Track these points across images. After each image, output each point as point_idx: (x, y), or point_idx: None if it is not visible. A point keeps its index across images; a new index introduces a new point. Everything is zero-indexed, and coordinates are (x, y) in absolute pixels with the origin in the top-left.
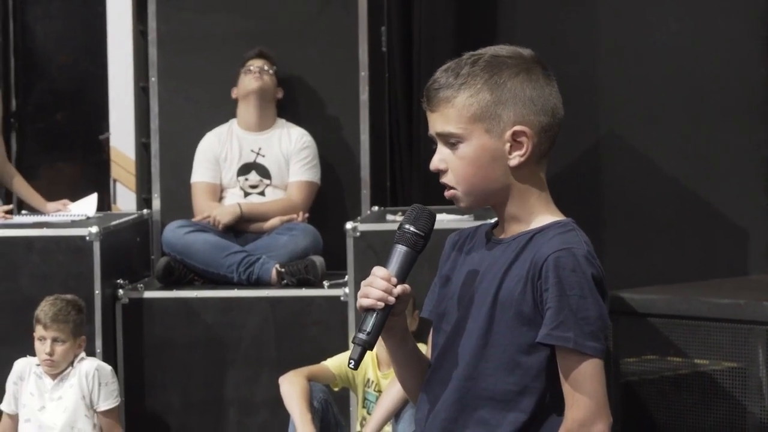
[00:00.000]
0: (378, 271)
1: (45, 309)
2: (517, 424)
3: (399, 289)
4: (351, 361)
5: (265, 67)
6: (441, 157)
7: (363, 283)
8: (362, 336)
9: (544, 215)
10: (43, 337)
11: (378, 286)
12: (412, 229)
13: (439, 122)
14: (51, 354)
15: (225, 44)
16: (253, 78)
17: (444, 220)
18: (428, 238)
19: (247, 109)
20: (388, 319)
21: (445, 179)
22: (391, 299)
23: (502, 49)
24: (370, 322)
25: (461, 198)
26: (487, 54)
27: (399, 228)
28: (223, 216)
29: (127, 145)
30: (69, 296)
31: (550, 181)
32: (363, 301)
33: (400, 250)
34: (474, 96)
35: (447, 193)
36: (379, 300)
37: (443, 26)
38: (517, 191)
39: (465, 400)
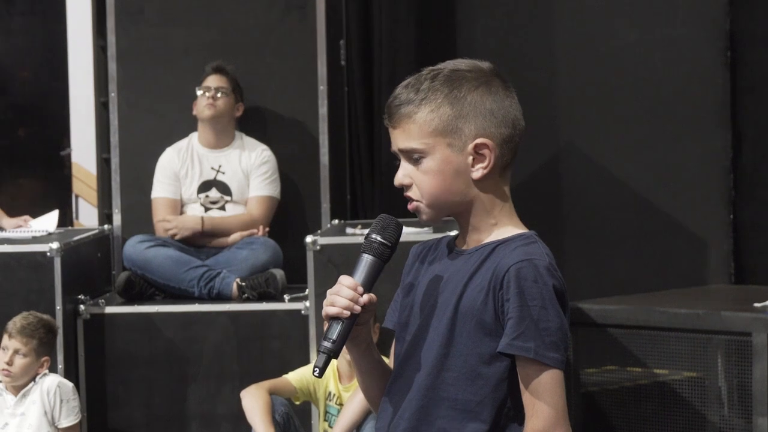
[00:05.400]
0: (344, 279)
1: (15, 320)
2: None
3: (365, 298)
4: (316, 369)
5: (221, 89)
6: (405, 173)
7: (329, 291)
8: (328, 344)
9: (507, 226)
10: (6, 347)
11: (344, 294)
12: (379, 238)
13: (401, 138)
14: (9, 364)
15: (184, 58)
16: (205, 105)
17: (405, 232)
18: (395, 248)
19: (204, 130)
20: (353, 329)
21: (410, 194)
22: (358, 308)
23: (461, 63)
24: (336, 331)
25: (424, 211)
26: (447, 68)
27: (366, 237)
28: (183, 230)
29: (89, 161)
30: (45, 316)
31: (510, 192)
32: (329, 310)
33: (366, 260)
34: (435, 111)
35: (410, 206)
36: (346, 309)
37: (403, 39)
38: (481, 203)
39: (426, 409)
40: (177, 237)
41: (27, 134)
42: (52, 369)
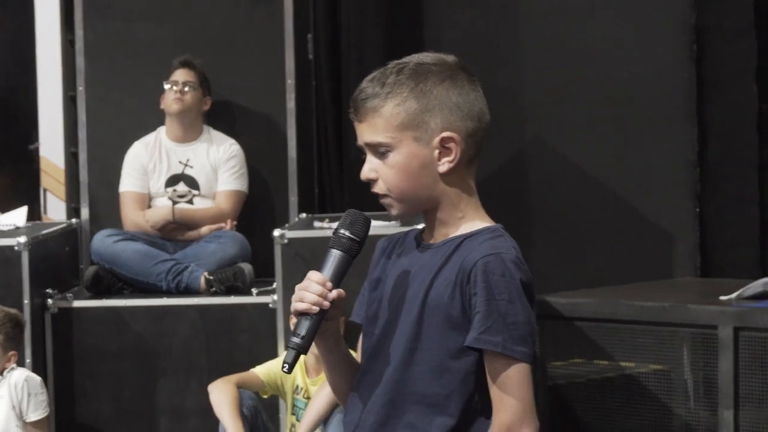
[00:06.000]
0: (313, 275)
1: None
2: (445, 428)
3: (334, 293)
4: (285, 364)
5: (188, 83)
6: (371, 167)
7: (298, 287)
8: (297, 340)
9: (473, 220)
10: None
11: (313, 290)
12: (347, 234)
13: (367, 132)
14: None
15: (153, 52)
16: (173, 99)
17: (373, 225)
18: (363, 243)
19: (172, 124)
20: (322, 324)
21: (377, 188)
22: (326, 304)
23: (426, 57)
24: (305, 327)
25: (394, 206)
26: (412, 62)
27: (334, 233)
28: (155, 222)
29: (57, 155)
30: (12, 310)
31: (477, 186)
32: (298, 305)
33: (335, 255)
34: (401, 104)
35: (382, 200)
36: (314, 304)
37: (371, 32)
38: (447, 197)
39: (394, 404)
40: (158, 228)
41: None
42: (20, 363)
